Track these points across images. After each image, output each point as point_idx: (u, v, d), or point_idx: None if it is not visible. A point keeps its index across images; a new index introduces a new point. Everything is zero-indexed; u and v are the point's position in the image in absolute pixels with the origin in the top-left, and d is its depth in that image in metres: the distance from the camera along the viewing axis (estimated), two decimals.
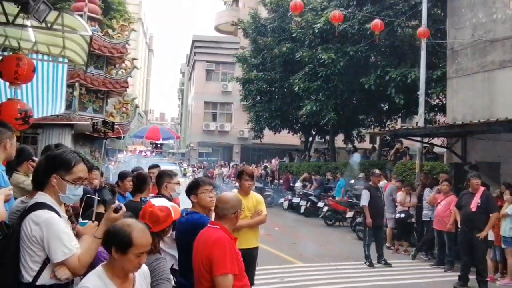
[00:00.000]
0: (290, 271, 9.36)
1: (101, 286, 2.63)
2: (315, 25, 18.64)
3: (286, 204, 20.43)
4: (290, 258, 10.50)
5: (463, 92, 12.72)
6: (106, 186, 3.71)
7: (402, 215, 11.85)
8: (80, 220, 3.29)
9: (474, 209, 8.52)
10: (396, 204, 12.18)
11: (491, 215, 8.47)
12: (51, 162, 3.02)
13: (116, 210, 3.11)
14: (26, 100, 8.13)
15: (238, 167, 27.00)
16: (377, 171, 11.16)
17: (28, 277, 2.80)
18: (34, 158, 4.61)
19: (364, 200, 10.36)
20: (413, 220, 12.00)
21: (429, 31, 13.85)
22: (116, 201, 3.30)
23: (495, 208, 8.67)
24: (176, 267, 4.25)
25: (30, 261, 2.81)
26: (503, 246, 9.12)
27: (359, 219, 13.74)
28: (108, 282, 2.65)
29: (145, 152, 22.97)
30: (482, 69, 12.07)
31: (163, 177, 5.14)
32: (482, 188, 8.63)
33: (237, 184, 6.86)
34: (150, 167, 6.59)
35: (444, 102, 16.15)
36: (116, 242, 2.61)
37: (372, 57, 19.20)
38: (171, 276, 3.13)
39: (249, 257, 5.25)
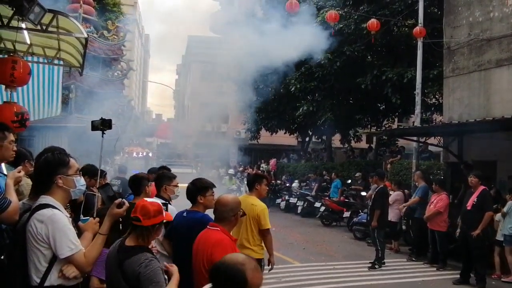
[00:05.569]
0: (287, 271, 9.33)
1: None
2: None
3: (283, 204, 20.38)
4: (287, 258, 10.48)
5: (459, 91, 12.73)
6: (108, 183, 3.70)
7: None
8: (82, 217, 3.31)
9: (469, 208, 8.56)
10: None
11: (486, 214, 8.51)
12: (48, 166, 3.06)
13: (120, 206, 3.15)
14: (22, 102, 8.09)
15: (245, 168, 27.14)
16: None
17: (36, 279, 2.85)
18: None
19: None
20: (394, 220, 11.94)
21: (426, 30, 13.83)
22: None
23: (489, 207, 8.69)
24: None
25: (37, 262, 2.85)
26: (504, 244, 9.15)
27: (356, 219, 13.77)
28: None
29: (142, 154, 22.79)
30: (479, 68, 12.07)
31: (162, 179, 5.06)
32: (481, 187, 8.66)
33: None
34: (150, 171, 6.50)
35: (441, 101, 16.16)
36: (229, 284, 2.27)
37: (369, 57, 19.10)
38: (165, 276, 3.09)
39: None
